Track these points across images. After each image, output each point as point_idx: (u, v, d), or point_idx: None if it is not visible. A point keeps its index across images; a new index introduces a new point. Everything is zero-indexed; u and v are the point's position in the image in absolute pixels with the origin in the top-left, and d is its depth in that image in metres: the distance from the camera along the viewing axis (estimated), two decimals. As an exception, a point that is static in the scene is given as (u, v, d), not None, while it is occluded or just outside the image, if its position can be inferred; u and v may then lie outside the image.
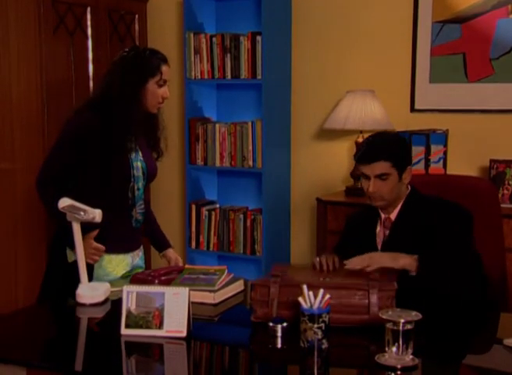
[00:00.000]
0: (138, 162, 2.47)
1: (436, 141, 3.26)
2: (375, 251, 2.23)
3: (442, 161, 3.23)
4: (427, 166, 3.24)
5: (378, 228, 2.39)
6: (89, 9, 3.61)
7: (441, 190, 2.44)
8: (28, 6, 3.31)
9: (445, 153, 3.25)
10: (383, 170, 2.30)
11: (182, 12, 3.87)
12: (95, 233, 2.32)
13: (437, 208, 2.32)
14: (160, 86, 2.42)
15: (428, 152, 3.24)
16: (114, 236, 2.43)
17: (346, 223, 2.60)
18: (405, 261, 2.15)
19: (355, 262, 2.13)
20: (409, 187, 2.40)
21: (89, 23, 3.62)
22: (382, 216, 2.39)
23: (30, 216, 3.39)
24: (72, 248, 2.28)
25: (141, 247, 2.61)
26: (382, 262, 2.12)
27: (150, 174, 2.54)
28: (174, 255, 2.64)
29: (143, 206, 2.52)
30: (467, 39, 3.38)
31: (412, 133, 3.29)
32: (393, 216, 2.38)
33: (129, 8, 3.93)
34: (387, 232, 2.37)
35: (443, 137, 3.28)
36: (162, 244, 2.67)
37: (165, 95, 2.45)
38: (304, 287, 1.80)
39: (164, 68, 2.44)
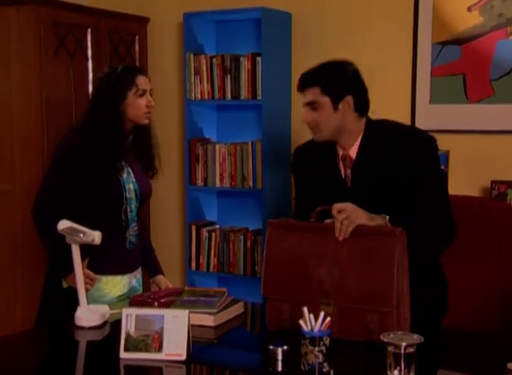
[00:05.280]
0: (130, 184, 2.48)
1: (437, 162, 3.27)
2: (346, 203, 2.01)
3: (443, 181, 3.24)
4: (428, 186, 3.25)
5: (341, 165, 2.23)
6: (89, 31, 3.65)
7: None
8: (29, 28, 3.35)
9: (446, 174, 3.25)
10: (312, 97, 2.16)
11: (182, 33, 3.91)
12: (86, 262, 2.33)
13: (399, 140, 2.16)
14: (140, 96, 2.44)
15: (429, 173, 3.25)
16: (109, 258, 2.44)
17: (296, 161, 2.38)
18: (380, 223, 2.02)
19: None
20: (364, 120, 2.22)
21: (89, 44, 3.66)
22: (340, 152, 2.23)
23: (29, 237, 3.38)
24: (65, 277, 2.32)
25: (139, 269, 2.61)
26: (360, 220, 1.96)
27: (143, 195, 2.55)
28: (164, 282, 2.63)
29: (136, 228, 2.53)
30: (467, 60, 3.41)
31: (413, 153, 3.30)
32: (353, 153, 2.21)
33: (129, 29, 3.97)
34: (348, 171, 2.22)
35: (444, 158, 3.29)
36: (154, 270, 2.67)
37: (149, 104, 2.47)
38: (305, 309, 1.80)
39: (140, 79, 2.46)
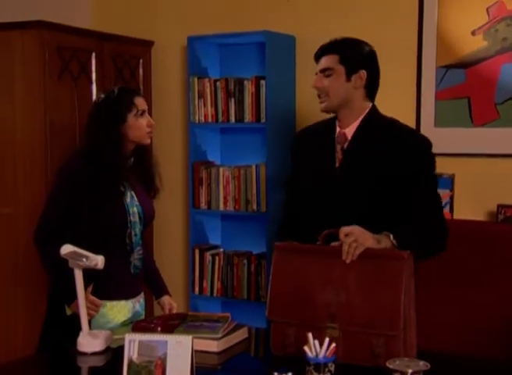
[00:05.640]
0: (134, 208, 2.49)
1: (442, 186, 3.26)
2: (353, 226, 2.05)
3: (448, 205, 3.24)
4: (433, 210, 3.25)
5: (337, 146, 2.29)
6: (94, 55, 3.68)
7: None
8: (34, 52, 3.38)
9: (451, 198, 3.26)
10: (328, 64, 2.25)
11: (186, 57, 3.94)
12: (90, 288, 2.33)
13: (398, 134, 2.25)
14: (140, 116, 2.47)
15: (434, 197, 3.25)
16: (113, 283, 2.44)
17: (295, 142, 2.50)
18: (386, 244, 2.05)
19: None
20: (370, 104, 2.31)
21: (93, 68, 3.68)
22: (337, 129, 2.30)
23: (31, 261, 3.37)
24: (69, 304, 2.31)
25: (142, 293, 2.61)
26: (367, 243, 2.00)
27: (147, 218, 2.56)
28: (169, 302, 2.62)
29: (141, 252, 2.53)
30: (472, 84, 3.43)
31: (418, 177, 3.31)
32: (350, 132, 2.27)
33: (133, 52, 4.01)
34: (339, 149, 2.27)
35: (449, 182, 3.30)
36: (160, 291, 2.66)
37: (149, 123, 2.50)
38: (310, 335, 1.79)
39: (138, 100, 2.49)
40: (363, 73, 2.27)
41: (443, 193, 3.27)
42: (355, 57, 2.28)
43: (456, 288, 2.86)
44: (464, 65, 3.44)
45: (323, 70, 2.27)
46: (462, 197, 3.41)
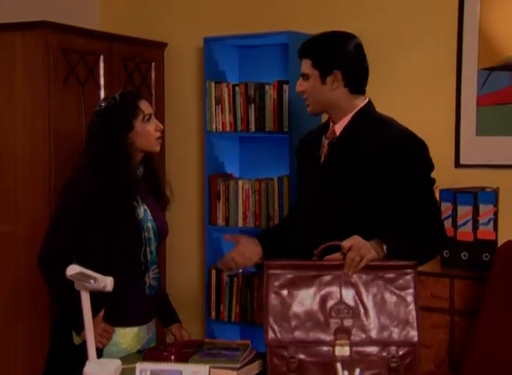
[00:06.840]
0: (148, 223, 2.49)
1: (485, 200, 3.24)
2: (353, 237, 2.14)
3: (492, 222, 3.20)
4: (475, 228, 3.21)
5: (325, 141, 2.44)
6: (102, 58, 3.71)
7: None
8: (36, 56, 3.40)
9: (495, 214, 3.22)
10: (304, 69, 2.40)
11: (202, 60, 3.96)
12: (102, 312, 2.31)
13: (389, 135, 2.31)
14: (147, 121, 2.48)
15: (476, 213, 3.22)
16: (126, 307, 2.43)
17: (297, 148, 2.68)
18: (380, 253, 2.14)
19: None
20: (364, 100, 2.41)
21: (102, 72, 3.71)
22: (330, 124, 2.45)
23: (32, 282, 3.39)
24: (79, 332, 2.28)
25: (153, 318, 2.60)
26: (370, 257, 2.07)
27: (161, 234, 2.56)
28: (180, 330, 2.61)
29: (157, 271, 2.53)
30: (518, 88, 3.41)
31: (458, 191, 3.28)
32: (339, 128, 2.39)
33: (145, 55, 4.04)
34: (326, 142, 2.42)
35: (493, 196, 3.26)
36: (170, 318, 2.65)
37: (158, 128, 2.51)
38: (338, 365, 1.79)
39: (143, 104, 2.50)
40: (338, 73, 2.36)
41: (486, 209, 3.24)
42: (327, 59, 2.37)
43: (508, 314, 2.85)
44: (509, 67, 3.41)
45: (302, 75, 2.42)
46: (507, 212, 3.37)
